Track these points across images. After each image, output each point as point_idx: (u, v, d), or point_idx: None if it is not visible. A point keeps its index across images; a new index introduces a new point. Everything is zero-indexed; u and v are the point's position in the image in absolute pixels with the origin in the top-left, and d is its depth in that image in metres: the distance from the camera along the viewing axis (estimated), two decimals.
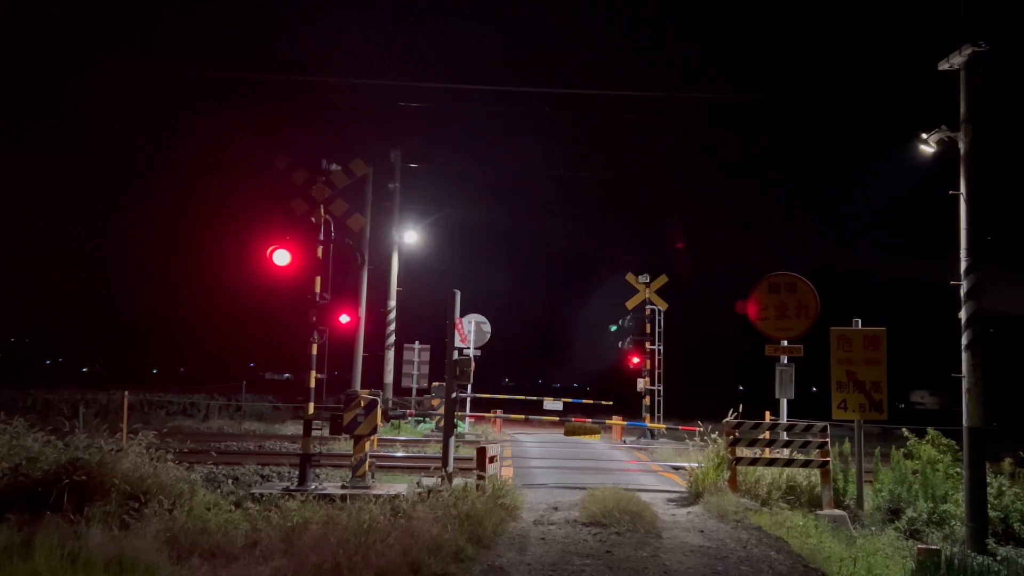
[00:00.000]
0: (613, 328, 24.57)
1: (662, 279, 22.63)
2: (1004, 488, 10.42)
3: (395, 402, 22.83)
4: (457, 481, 9.80)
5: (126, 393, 16.78)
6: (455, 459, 11.13)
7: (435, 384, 21.68)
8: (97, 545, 6.51)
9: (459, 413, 19.81)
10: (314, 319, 10.94)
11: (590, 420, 22.24)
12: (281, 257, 10.80)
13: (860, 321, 11.33)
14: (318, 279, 11.03)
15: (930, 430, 11.54)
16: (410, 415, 21.69)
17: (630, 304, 22.64)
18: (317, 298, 10.98)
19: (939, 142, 10.23)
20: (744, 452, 10.87)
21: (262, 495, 9.54)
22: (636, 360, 22.58)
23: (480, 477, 9.73)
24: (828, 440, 10.63)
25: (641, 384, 22.21)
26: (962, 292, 9.88)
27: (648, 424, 21.48)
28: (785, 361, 12.38)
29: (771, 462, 10.80)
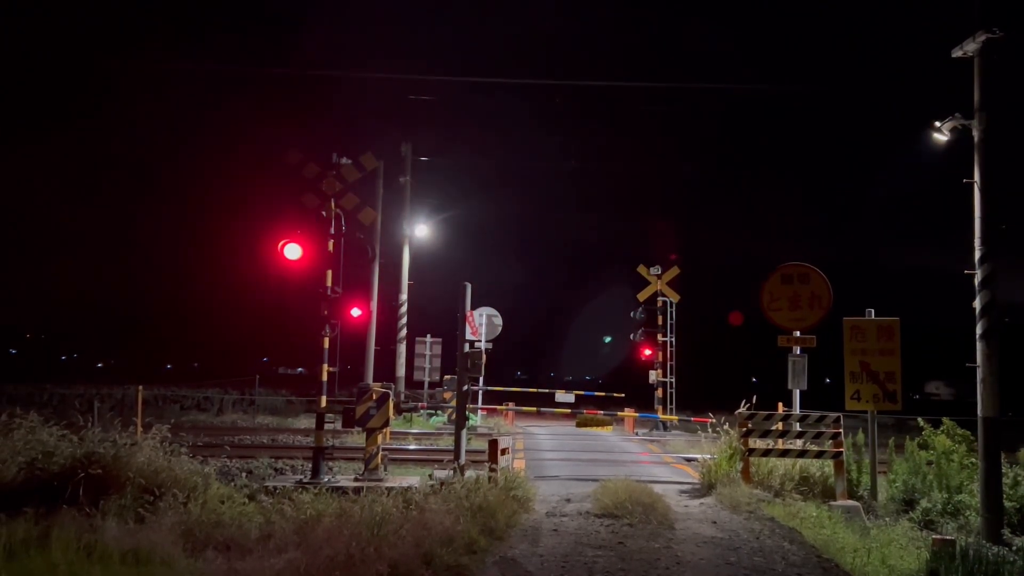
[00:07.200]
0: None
1: (674, 271, 22.55)
2: (1020, 478, 10.33)
3: (407, 395, 22.86)
4: (469, 473, 9.81)
5: (140, 388, 16.89)
6: (467, 451, 11.15)
7: (447, 377, 21.73)
8: (113, 538, 6.58)
9: (471, 406, 19.83)
10: (326, 313, 10.97)
11: (602, 412, 22.28)
12: (292, 251, 10.82)
13: (874, 311, 11.26)
14: (329, 273, 11.05)
15: (945, 420, 11.46)
16: (422, 408, 21.73)
17: (642, 296, 22.58)
18: (328, 292, 11.00)
19: (953, 130, 10.12)
20: (757, 443, 10.83)
21: (276, 488, 9.59)
22: (648, 352, 22.53)
23: (492, 469, 9.74)
24: (841, 431, 10.58)
25: (653, 376, 22.16)
26: (976, 281, 9.79)
27: (660, 416, 21.45)
28: (798, 352, 12.32)
29: (784, 453, 10.76)
